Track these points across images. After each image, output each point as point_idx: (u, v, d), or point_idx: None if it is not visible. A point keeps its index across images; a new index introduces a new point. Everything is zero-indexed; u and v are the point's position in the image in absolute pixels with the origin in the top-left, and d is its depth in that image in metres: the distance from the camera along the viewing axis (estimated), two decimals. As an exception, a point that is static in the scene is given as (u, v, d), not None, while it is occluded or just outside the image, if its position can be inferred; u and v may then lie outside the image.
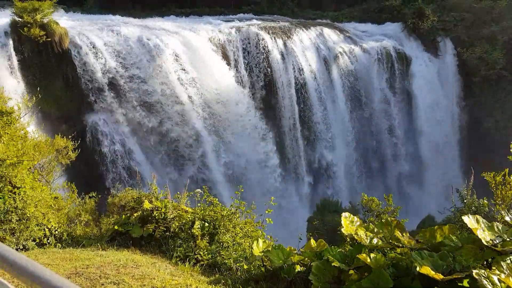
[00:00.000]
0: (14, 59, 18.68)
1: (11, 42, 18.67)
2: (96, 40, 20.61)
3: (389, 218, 5.34)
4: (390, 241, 4.74)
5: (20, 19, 19.01)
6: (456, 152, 31.33)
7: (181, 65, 21.99)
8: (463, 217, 4.54)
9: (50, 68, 19.97)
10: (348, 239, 5.09)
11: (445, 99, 31.01)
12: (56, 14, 21.34)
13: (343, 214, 5.28)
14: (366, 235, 4.83)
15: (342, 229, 5.11)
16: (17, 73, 18.77)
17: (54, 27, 19.41)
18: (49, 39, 19.17)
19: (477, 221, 4.37)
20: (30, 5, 18.94)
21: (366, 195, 9.29)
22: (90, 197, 10.43)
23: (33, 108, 18.60)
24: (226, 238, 7.40)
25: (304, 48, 27.02)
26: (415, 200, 29.38)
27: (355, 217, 5.17)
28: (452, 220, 8.77)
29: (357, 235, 4.86)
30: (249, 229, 7.93)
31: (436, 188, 29.12)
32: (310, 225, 19.44)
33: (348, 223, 5.15)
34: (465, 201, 8.98)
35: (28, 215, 7.63)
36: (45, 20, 19.34)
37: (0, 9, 23.87)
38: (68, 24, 21.37)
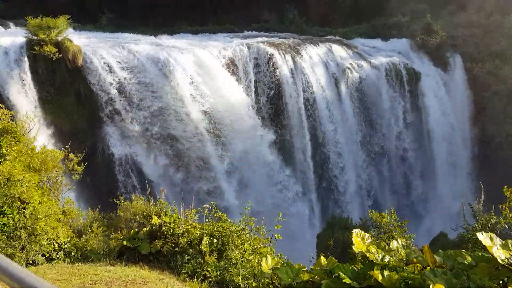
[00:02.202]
0: (29, 76, 19.12)
1: (26, 59, 19.13)
2: (109, 57, 21.02)
3: (405, 241, 5.21)
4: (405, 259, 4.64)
5: (35, 37, 19.52)
6: (469, 168, 30.88)
7: (192, 81, 22.25)
8: (477, 234, 4.44)
9: (63, 84, 20.36)
10: (359, 257, 4.99)
11: (455, 114, 30.76)
12: (70, 31, 21.88)
13: (354, 231, 5.19)
14: (377, 253, 4.74)
15: (353, 246, 5.01)
16: (31, 90, 19.17)
17: (67, 44, 19.88)
18: (63, 56, 19.61)
19: (491, 239, 4.26)
20: (44, 23, 19.46)
21: (374, 211, 9.14)
22: (99, 211, 10.46)
23: (44, 124, 18.95)
24: (234, 254, 7.32)
25: (313, 64, 27.17)
26: (427, 217, 28.88)
27: (366, 234, 5.09)
28: (466, 237, 8.57)
29: (369, 252, 4.77)
30: (258, 246, 7.84)
31: (449, 205, 28.61)
32: (320, 242, 19.14)
33: (359, 240, 5.06)
34: (477, 217, 8.81)
35: (38, 231, 7.65)
36: (59, 38, 19.83)
37: (18, 27, 24.62)
38: (82, 41, 21.88)
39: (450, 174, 30.39)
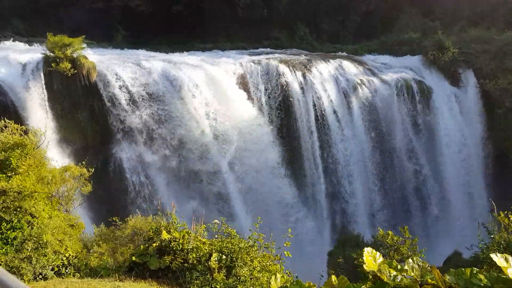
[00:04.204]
0: (44, 92, 19.57)
1: (42, 75, 19.63)
2: (123, 74, 21.42)
3: (420, 260, 5.08)
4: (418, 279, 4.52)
5: (51, 54, 20.07)
6: (482, 185, 30.24)
7: (203, 97, 22.49)
8: (491, 255, 4.32)
9: (77, 100, 20.77)
10: (370, 276, 4.89)
11: (468, 131, 30.35)
12: (85, 49, 22.41)
13: (365, 250, 5.09)
14: (389, 273, 4.63)
15: (364, 266, 4.91)
16: (46, 105, 19.59)
17: (82, 61, 20.37)
18: (78, 73, 20.08)
19: (506, 260, 4.14)
20: (61, 40, 20.03)
21: (381, 230, 8.95)
22: (108, 226, 10.49)
23: (57, 138, 19.27)
24: (243, 271, 7.24)
25: (323, 80, 27.27)
26: (441, 236, 28.23)
27: (377, 253, 4.98)
28: (480, 257, 8.34)
29: (380, 272, 4.66)
30: (267, 263, 7.75)
31: (463, 223, 27.98)
32: (331, 260, 18.84)
33: (371, 259, 4.96)
34: (492, 236, 8.59)
35: (45, 242, 7.70)
36: (75, 55, 20.35)
37: (35, 44, 25.36)
38: (97, 58, 22.39)
39: (464, 190, 29.80)
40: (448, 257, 19.43)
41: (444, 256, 19.70)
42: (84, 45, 21.40)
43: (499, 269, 4.33)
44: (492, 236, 8.54)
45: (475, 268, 4.53)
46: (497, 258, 4.15)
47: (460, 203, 29.57)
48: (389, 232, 8.90)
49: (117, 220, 9.35)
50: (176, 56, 26.61)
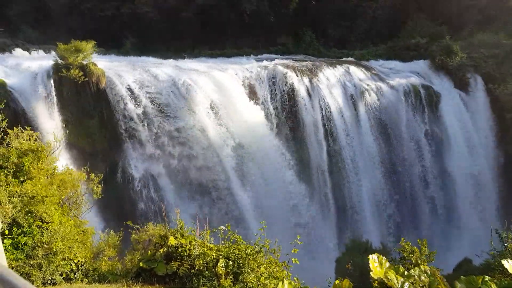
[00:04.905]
0: (54, 98, 19.84)
1: (52, 82, 19.92)
2: (131, 80, 21.64)
3: (428, 267, 5.04)
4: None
5: (62, 61, 20.37)
6: (493, 192, 29.83)
7: (211, 103, 22.61)
8: (502, 262, 4.27)
9: (87, 107, 21.02)
10: (377, 283, 4.85)
11: (478, 136, 30.03)
12: (94, 56, 22.73)
13: (371, 256, 5.06)
14: (397, 279, 4.60)
15: (371, 272, 4.88)
16: (56, 111, 19.85)
17: (92, 68, 20.63)
18: (87, 80, 20.33)
19: (517, 267, 4.08)
20: (73, 46, 20.33)
21: (404, 239, 8.75)
22: (116, 231, 10.54)
23: (67, 144, 19.49)
24: (250, 278, 7.22)
25: (330, 85, 27.24)
26: (451, 242, 27.85)
27: (383, 257, 4.95)
28: (491, 264, 8.21)
29: (387, 279, 4.63)
30: (274, 269, 7.72)
31: (473, 230, 27.58)
32: (339, 267, 18.68)
33: (377, 266, 4.92)
34: (505, 244, 8.45)
35: (55, 250, 7.77)
36: (85, 62, 20.62)
37: (46, 52, 25.77)
38: (106, 65, 22.65)
39: (475, 196, 29.41)
40: (458, 264, 19.15)
41: (454, 263, 19.41)
42: (94, 52, 21.68)
43: (511, 277, 4.27)
44: (506, 244, 8.41)
45: (487, 276, 4.46)
46: (509, 265, 4.10)
47: (470, 210, 29.17)
48: (408, 243, 8.63)
49: (131, 223, 9.39)
50: (184, 63, 26.81)
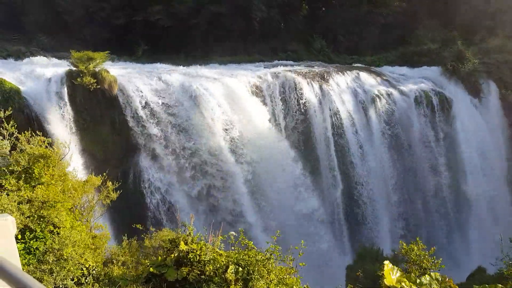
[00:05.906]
0: (67, 105, 20.16)
1: (65, 89, 20.26)
2: (143, 87, 21.86)
3: (439, 275, 4.97)
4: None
5: (75, 68, 20.73)
6: (508, 199, 29.29)
7: (222, 110, 22.68)
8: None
9: (99, 113, 21.29)
10: (389, 291, 4.79)
11: (491, 142, 29.58)
12: (107, 63, 23.06)
13: (385, 263, 5.01)
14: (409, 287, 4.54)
15: (384, 280, 4.83)
16: (69, 118, 20.16)
17: (104, 75, 20.94)
18: (100, 86, 20.63)
19: (532, 276, 4.00)
20: (85, 55, 20.70)
21: (405, 244, 8.70)
22: (128, 236, 10.60)
23: (79, 151, 19.76)
24: (260, 284, 7.20)
25: (340, 91, 27.15)
26: (464, 251, 27.36)
27: (395, 267, 4.90)
28: (505, 273, 8.05)
29: (401, 287, 4.57)
30: (284, 276, 7.68)
31: (487, 238, 27.04)
32: (350, 274, 18.48)
33: (390, 273, 4.87)
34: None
35: (66, 256, 7.83)
36: (97, 69, 20.95)
37: (59, 59, 26.26)
38: (118, 72, 22.94)
39: (488, 203, 28.90)
40: (471, 273, 18.80)
41: (467, 272, 19.06)
42: (106, 59, 22.01)
43: (525, 286, 4.19)
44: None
45: (499, 285, 4.39)
46: (522, 274, 4.02)
47: (484, 215, 28.67)
48: (414, 246, 8.52)
49: (140, 226, 9.44)
50: (195, 69, 27.02)
